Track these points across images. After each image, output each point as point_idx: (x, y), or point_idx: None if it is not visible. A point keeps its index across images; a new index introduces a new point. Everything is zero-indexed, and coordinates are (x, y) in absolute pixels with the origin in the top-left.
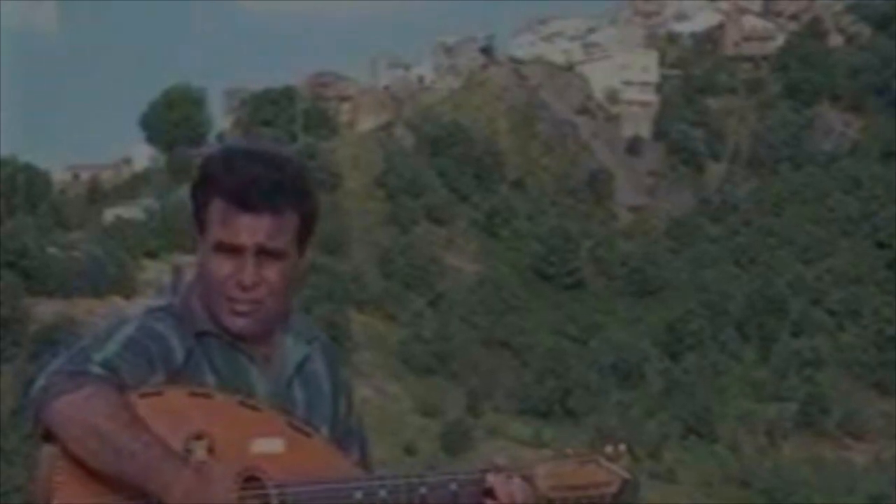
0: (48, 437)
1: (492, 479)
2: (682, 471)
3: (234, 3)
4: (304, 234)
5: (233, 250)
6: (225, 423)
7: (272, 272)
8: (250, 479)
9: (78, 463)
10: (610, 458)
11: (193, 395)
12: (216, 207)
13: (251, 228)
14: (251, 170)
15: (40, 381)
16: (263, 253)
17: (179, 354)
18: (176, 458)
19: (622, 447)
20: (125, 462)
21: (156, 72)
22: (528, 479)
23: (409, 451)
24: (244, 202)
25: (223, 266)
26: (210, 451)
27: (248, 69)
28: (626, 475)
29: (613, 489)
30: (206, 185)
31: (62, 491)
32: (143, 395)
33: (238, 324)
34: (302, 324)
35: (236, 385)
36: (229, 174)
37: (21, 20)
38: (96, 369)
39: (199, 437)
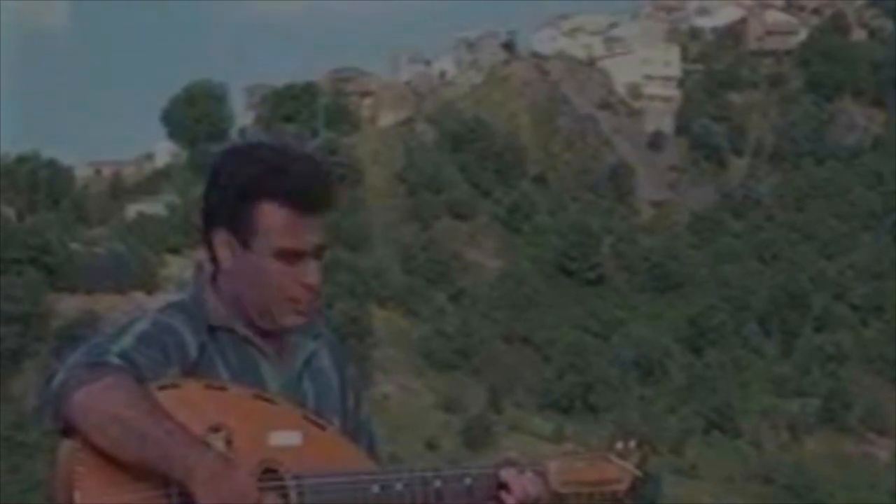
0: (67, 432)
1: (505, 474)
2: (705, 466)
3: (253, 3)
4: None
5: (296, 255)
6: (242, 416)
7: (318, 268)
8: (268, 472)
9: (99, 453)
10: (621, 456)
11: (210, 387)
12: (273, 212)
13: (312, 230)
14: (302, 170)
15: (60, 376)
16: (319, 251)
17: (193, 349)
18: (199, 444)
19: (632, 444)
20: (148, 449)
21: (177, 68)
22: (540, 474)
23: (431, 446)
24: (308, 206)
25: (287, 271)
26: (228, 443)
27: (269, 65)
28: (638, 473)
29: (624, 486)
30: (253, 188)
31: (83, 482)
32: (161, 388)
33: (299, 321)
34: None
35: (248, 380)
36: (282, 178)
37: (34, 18)
38: (115, 359)
39: (216, 429)
